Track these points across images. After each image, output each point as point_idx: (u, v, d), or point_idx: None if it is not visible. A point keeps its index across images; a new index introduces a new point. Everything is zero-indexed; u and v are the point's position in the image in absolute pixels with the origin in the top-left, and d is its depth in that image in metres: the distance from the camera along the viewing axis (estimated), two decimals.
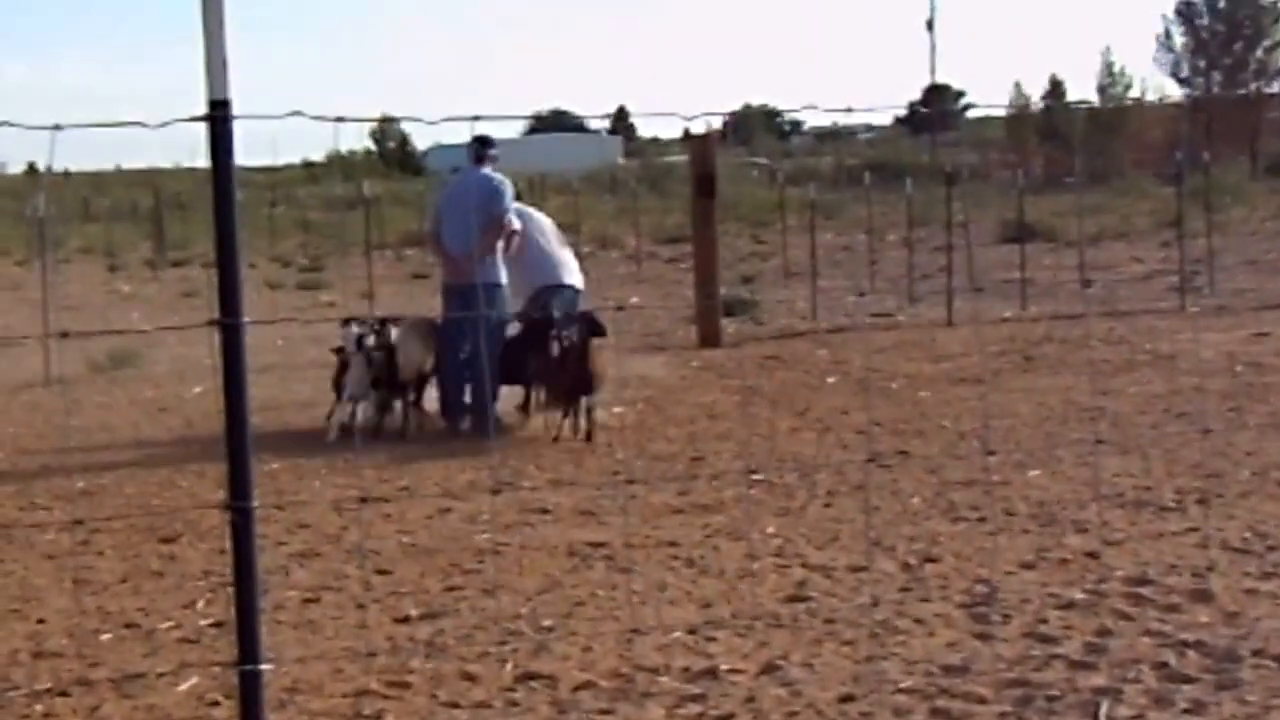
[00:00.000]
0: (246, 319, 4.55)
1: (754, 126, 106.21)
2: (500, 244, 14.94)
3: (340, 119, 5.06)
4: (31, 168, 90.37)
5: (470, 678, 7.14)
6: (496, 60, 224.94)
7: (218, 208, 4.49)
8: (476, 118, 5.82)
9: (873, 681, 6.86)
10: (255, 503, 4.72)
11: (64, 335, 5.78)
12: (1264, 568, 8.64)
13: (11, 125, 4.65)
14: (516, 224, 15.13)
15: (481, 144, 15.11)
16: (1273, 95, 73.43)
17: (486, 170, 15.11)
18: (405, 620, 8.20)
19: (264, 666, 4.77)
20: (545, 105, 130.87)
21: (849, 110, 6.60)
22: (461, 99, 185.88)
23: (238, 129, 4.56)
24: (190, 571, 9.43)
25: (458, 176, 16.00)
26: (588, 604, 8.37)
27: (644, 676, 7.05)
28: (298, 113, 4.71)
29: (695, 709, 6.61)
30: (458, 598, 8.61)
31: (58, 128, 4.63)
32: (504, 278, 14.97)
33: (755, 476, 11.63)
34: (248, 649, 4.73)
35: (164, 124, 4.74)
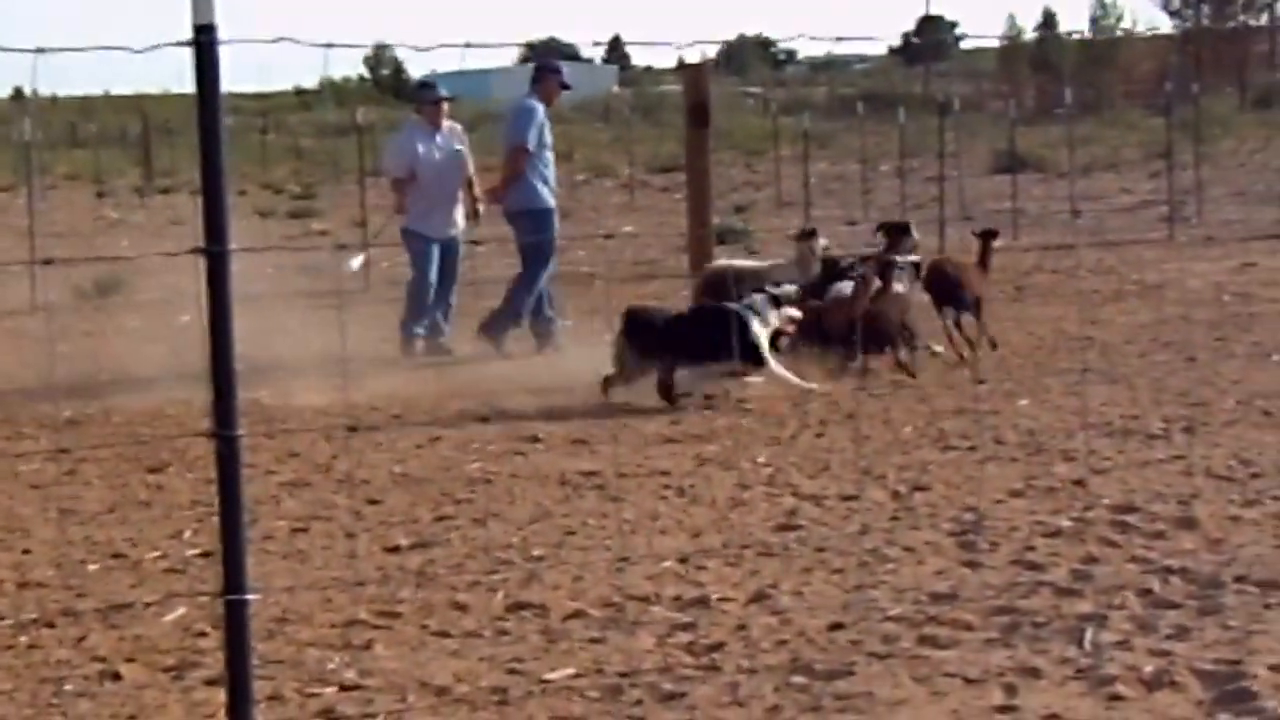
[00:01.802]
0: (233, 247, 4.52)
1: (748, 56, 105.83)
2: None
3: (329, 45, 5.02)
4: (17, 92, 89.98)
5: (460, 607, 7.14)
6: None
7: (203, 134, 4.45)
8: (468, 45, 5.78)
9: (862, 609, 6.86)
10: (242, 431, 4.69)
11: (48, 262, 5.74)
12: (1247, 495, 8.65)
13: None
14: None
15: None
16: (1261, 28, 73.29)
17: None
18: (395, 550, 8.20)
19: (250, 596, 4.75)
20: (538, 34, 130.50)
21: (840, 40, 6.56)
22: (456, 26, 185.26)
23: (225, 54, 4.52)
24: (178, 501, 9.42)
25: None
26: (579, 533, 8.38)
27: (635, 605, 7.05)
28: (286, 38, 4.68)
29: (686, 637, 6.61)
30: (448, 527, 8.61)
31: (40, 51, 4.60)
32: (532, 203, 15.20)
33: (746, 406, 11.63)
34: (233, 579, 4.71)
35: (149, 49, 4.71)
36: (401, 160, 15.33)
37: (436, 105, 15.50)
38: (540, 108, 15.26)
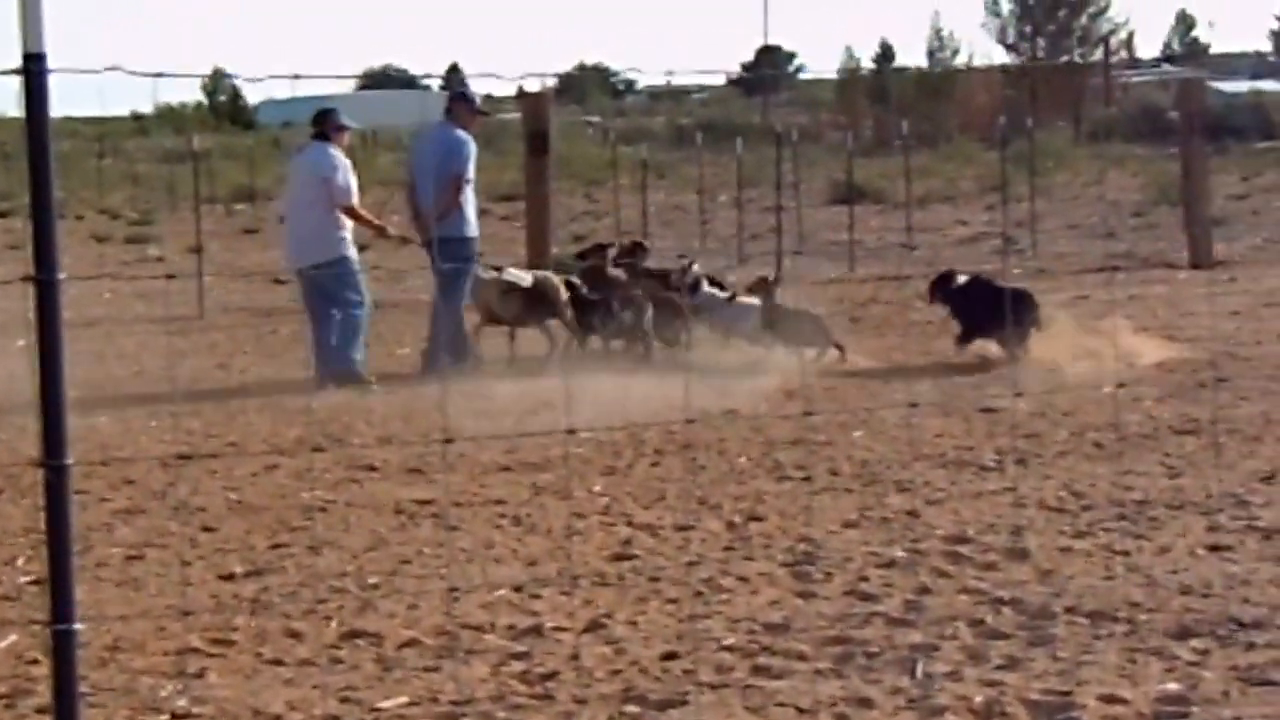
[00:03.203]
0: (63, 275, 4.51)
1: (588, 85, 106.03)
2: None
3: (160, 74, 5.03)
4: None
5: (295, 635, 7.14)
6: (328, 15, 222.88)
7: (32, 162, 4.44)
8: (296, 76, 5.80)
9: (696, 639, 6.92)
10: (71, 460, 4.68)
11: None
12: (1078, 526, 8.81)
13: None
14: None
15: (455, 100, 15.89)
16: (1095, 63, 74.44)
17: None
18: (230, 578, 8.17)
19: (78, 626, 4.74)
20: (376, 61, 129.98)
21: (670, 74, 6.64)
22: (294, 52, 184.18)
23: (59, 80, 4.52)
24: (10, 528, 9.31)
25: (429, 134, 16.30)
26: (414, 562, 8.39)
27: (469, 634, 7.08)
28: (116, 67, 4.68)
29: (519, 666, 6.65)
30: (283, 555, 8.59)
31: None
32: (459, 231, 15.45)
33: (582, 434, 11.68)
34: (62, 608, 4.70)
35: None
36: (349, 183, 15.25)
37: (342, 130, 15.45)
38: (471, 138, 15.57)
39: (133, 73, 4.81)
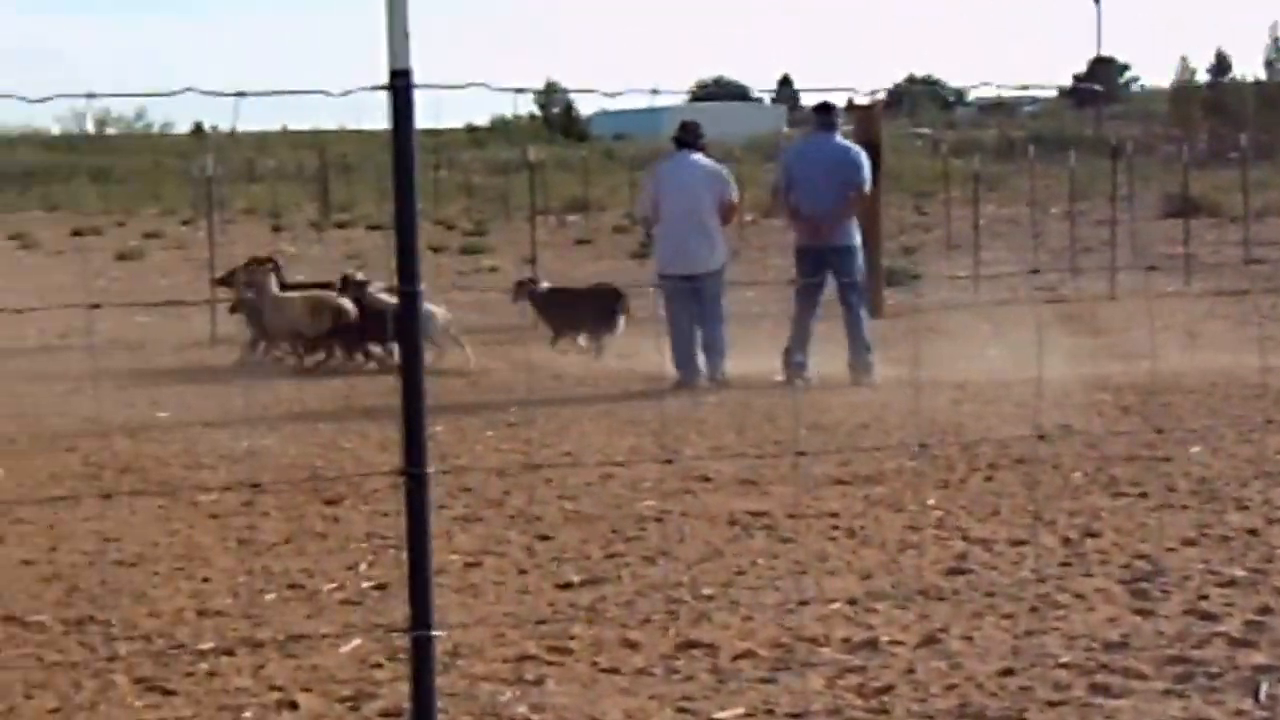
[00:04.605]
0: (424, 286, 4.62)
1: (918, 97, 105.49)
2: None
3: (520, 90, 5.12)
4: (198, 128, 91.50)
5: (631, 645, 7.19)
6: (662, 26, 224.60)
7: (398, 176, 4.55)
8: (626, 91, 5.84)
9: (1033, 655, 6.84)
10: (431, 469, 4.77)
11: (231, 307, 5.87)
12: None
13: (196, 91, 4.74)
14: None
15: (827, 111, 15.98)
16: None
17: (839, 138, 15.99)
18: (567, 586, 8.25)
19: (436, 633, 4.83)
20: (708, 73, 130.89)
21: (1001, 86, 6.58)
22: (626, 65, 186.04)
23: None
24: (353, 533, 9.52)
25: (810, 143, 16.27)
26: (748, 573, 8.39)
27: (804, 646, 7.07)
28: (479, 83, 4.78)
29: (855, 680, 6.62)
30: (619, 564, 8.65)
31: (242, 94, 4.72)
32: (858, 240, 15.80)
33: (916, 448, 11.61)
34: (420, 614, 4.79)
35: (345, 93, 4.82)
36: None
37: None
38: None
39: (493, 87, 4.90)
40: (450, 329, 17.13)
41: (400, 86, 4.48)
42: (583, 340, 18.03)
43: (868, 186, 15.83)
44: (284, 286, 17.80)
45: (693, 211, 15.47)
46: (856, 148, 16.01)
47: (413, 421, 4.66)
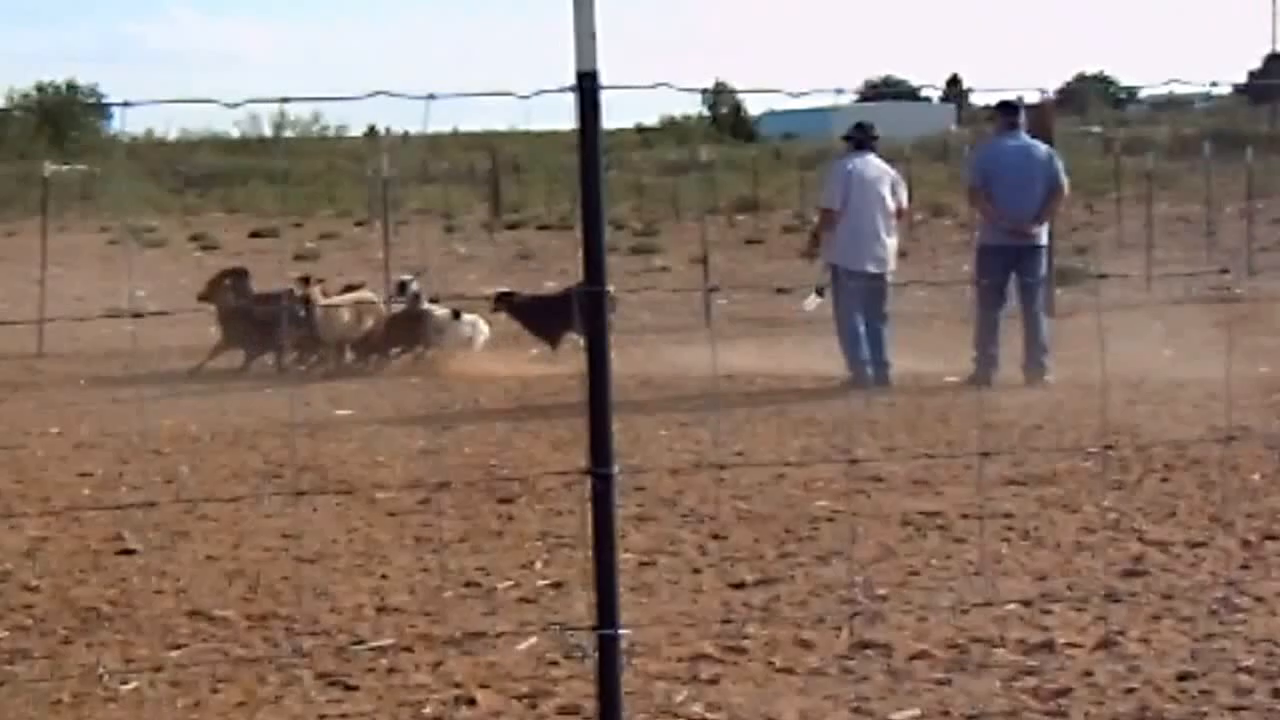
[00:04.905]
0: (611, 287, 4.66)
1: (1088, 95, 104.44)
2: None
3: (705, 90, 5.17)
4: (371, 130, 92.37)
5: (805, 644, 7.20)
6: (830, 26, 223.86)
7: (584, 177, 4.59)
8: (802, 94, 5.87)
9: (1212, 659, 6.79)
10: (617, 469, 4.82)
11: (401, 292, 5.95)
12: None
13: (387, 94, 4.81)
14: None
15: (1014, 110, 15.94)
16: None
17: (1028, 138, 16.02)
18: (740, 586, 8.27)
19: (623, 631, 4.87)
20: (877, 73, 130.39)
21: (1174, 83, 6.52)
22: (795, 65, 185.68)
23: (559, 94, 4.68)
24: (528, 532, 9.60)
25: (1003, 142, 16.18)
26: (922, 573, 8.38)
27: (979, 648, 7.05)
28: (664, 84, 4.82)
29: (1031, 682, 6.60)
30: (792, 564, 8.66)
31: (432, 97, 4.80)
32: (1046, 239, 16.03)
33: (1090, 449, 11.52)
34: (606, 613, 4.83)
35: (534, 94, 4.87)
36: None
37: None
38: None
39: (678, 88, 4.94)
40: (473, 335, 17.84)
41: (587, 88, 4.53)
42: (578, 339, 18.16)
43: (1061, 182, 15.82)
44: (258, 299, 18.12)
45: (879, 211, 15.58)
46: (1047, 146, 15.95)
47: (599, 422, 4.70)
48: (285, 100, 5.00)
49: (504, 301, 18.91)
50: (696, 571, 8.56)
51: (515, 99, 4.97)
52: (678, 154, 61.79)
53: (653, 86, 4.84)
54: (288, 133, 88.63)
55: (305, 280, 17.41)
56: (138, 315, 6.29)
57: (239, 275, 18.47)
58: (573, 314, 17.62)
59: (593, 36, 4.50)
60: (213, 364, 17.43)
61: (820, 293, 17.11)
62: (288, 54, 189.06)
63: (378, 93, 4.78)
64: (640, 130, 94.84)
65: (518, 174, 57.45)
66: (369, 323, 17.71)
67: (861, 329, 15.47)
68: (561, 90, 4.54)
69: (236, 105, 4.99)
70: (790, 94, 5.80)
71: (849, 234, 15.67)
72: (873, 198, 15.67)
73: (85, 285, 21.83)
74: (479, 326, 18.11)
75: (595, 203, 4.58)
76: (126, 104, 5.13)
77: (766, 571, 8.51)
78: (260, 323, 17.45)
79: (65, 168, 46.84)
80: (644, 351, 17.42)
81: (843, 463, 11.16)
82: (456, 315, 17.99)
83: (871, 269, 15.58)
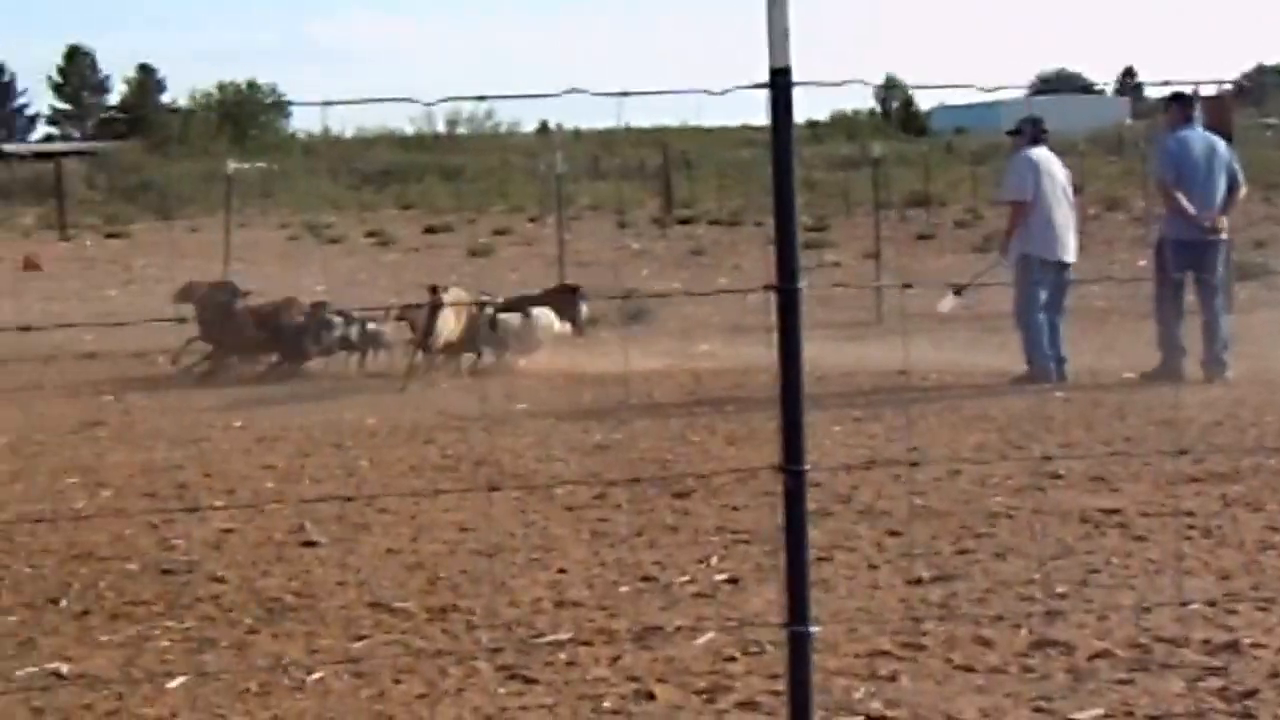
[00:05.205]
0: (804, 284, 4.67)
1: (1268, 87, 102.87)
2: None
3: (896, 85, 5.16)
4: (543, 127, 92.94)
5: (984, 642, 7.16)
6: (1002, 19, 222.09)
7: (777, 173, 4.60)
8: (1011, 86, 5.83)
9: None
10: (808, 466, 4.82)
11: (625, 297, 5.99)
12: None
13: (587, 93, 4.85)
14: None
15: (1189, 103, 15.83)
16: None
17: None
18: (917, 582, 8.24)
19: (813, 629, 4.88)
20: (1049, 66, 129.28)
21: None
22: (965, 59, 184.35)
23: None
24: (703, 527, 9.61)
25: (1187, 135, 15.98)
26: (1102, 571, 8.30)
27: (1162, 648, 6.97)
28: (857, 80, 4.82)
29: (1217, 683, 6.51)
30: (969, 561, 8.62)
31: (625, 94, 4.84)
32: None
33: (1274, 447, 11.37)
34: (797, 609, 4.83)
35: (726, 90, 4.88)
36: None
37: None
38: None
39: (870, 84, 4.94)
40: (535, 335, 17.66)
41: (781, 84, 4.53)
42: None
43: (1239, 175, 15.77)
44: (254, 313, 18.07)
45: (1066, 201, 15.60)
46: (1218, 139, 15.82)
47: (791, 419, 4.70)
48: (481, 98, 5.08)
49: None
50: (873, 568, 8.54)
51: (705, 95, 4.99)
52: (848, 149, 61.66)
53: (842, 84, 4.85)
54: (461, 129, 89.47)
55: (434, 290, 17.33)
56: (318, 305, 6.37)
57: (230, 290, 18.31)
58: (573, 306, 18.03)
59: (786, 33, 4.50)
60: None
61: (958, 292, 17.04)
62: (455, 51, 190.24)
63: (571, 90, 4.82)
64: (812, 125, 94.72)
65: (689, 170, 57.50)
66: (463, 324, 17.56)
67: (1045, 323, 15.37)
68: (754, 86, 4.55)
69: (432, 104, 5.05)
70: (984, 88, 5.71)
71: (1042, 223, 15.56)
72: (1058, 188, 15.64)
73: (266, 280, 22.08)
74: (546, 323, 17.90)
75: (788, 198, 4.58)
76: (326, 103, 5.20)
77: (944, 568, 8.47)
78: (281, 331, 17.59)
79: (246, 165, 47.45)
80: (816, 347, 17.36)
81: (1018, 459, 11.09)
82: (526, 315, 17.83)
83: (1065, 258, 15.54)
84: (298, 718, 6.48)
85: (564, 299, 18.27)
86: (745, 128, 79.95)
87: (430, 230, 42.01)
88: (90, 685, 6.92)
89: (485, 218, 46.79)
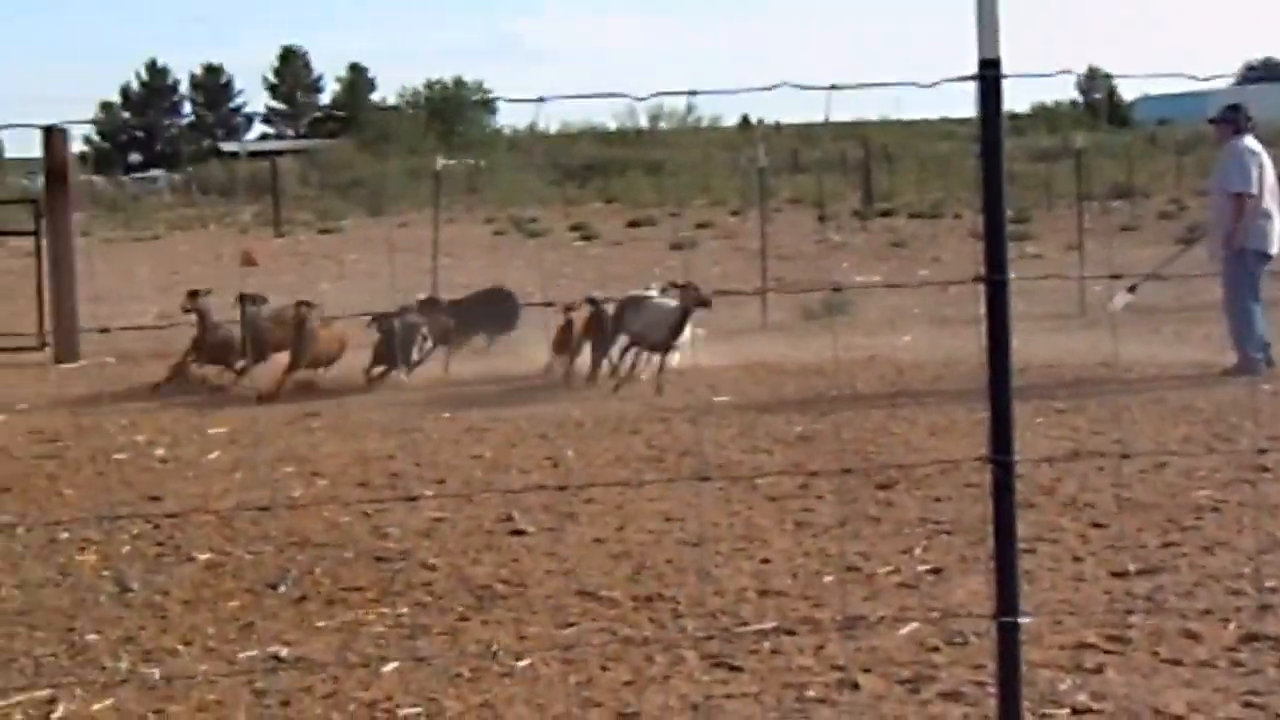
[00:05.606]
0: (1013, 275, 4.70)
1: None
2: None
3: (1108, 76, 5.18)
4: (745, 121, 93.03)
5: (1192, 636, 7.13)
6: (1207, 8, 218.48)
7: (986, 164, 4.62)
8: (1187, 77, 5.83)
9: None
10: (1017, 457, 4.84)
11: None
12: None
13: (797, 86, 4.92)
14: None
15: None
16: None
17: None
18: (1123, 575, 8.21)
19: (1023, 619, 4.90)
20: (1256, 55, 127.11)
21: None
22: (1172, 48, 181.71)
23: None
24: (906, 518, 9.64)
25: (1251, 144, 15.83)
26: None
27: None
28: (1066, 70, 4.86)
29: None
30: (1175, 554, 8.57)
31: (834, 88, 4.90)
32: None
33: None
34: (1007, 600, 4.86)
35: (934, 83, 4.93)
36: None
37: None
38: None
39: (1075, 73, 4.97)
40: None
41: (990, 76, 4.56)
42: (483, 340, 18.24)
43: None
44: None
45: (1270, 194, 15.40)
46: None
47: (1000, 411, 4.73)
48: (693, 93, 5.16)
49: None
50: (1078, 560, 8.53)
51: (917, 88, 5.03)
52: (1049, 141, 61.04)
53: (1054, 74, 4.89)
54: (663, 124, 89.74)
55: (594, 301, 17.27)
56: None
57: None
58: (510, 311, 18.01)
59: (996, 25, 4.54)
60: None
61: (1133, 290, 16.85)
62: (655, 48, 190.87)
63: (781, 83, 4.89)
64: (1013, 118, 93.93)
65: (889, 163, 57.27)
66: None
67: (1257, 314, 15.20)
68: (964, 79, 4.59)
69: (644, 99, 5.15)
70: (1193, 78, 5.71)
71: (1261, 216, 15.40)
72: (1271, 179, 15.44)
73: (472, 274, 22.35)
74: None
75: (996, 189, 4.60)
76: (541, 99, 5.31)
77: (1150, 561, 8.43)
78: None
79: (453, 162, 47.95)
80: (1019, 339, 17.26)
81: (1225, 451, 10.99)
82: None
83: (1271, 250, 15.36)
84: (507, 703, 6.61)
85: (497, 304, 18.35)
86: (945, 120, 79.54)
87: (633, 224, 42.20)
88: (308, 669, 7.11)
89: (687, 211, 46.88)
